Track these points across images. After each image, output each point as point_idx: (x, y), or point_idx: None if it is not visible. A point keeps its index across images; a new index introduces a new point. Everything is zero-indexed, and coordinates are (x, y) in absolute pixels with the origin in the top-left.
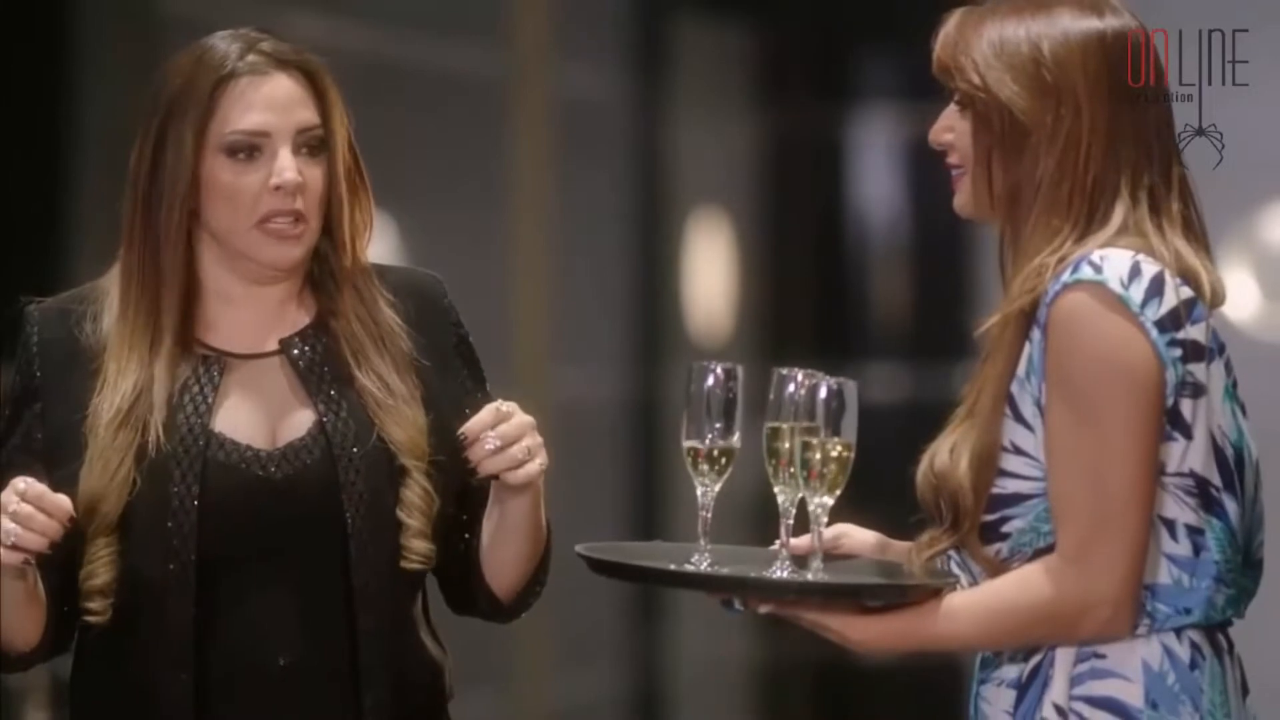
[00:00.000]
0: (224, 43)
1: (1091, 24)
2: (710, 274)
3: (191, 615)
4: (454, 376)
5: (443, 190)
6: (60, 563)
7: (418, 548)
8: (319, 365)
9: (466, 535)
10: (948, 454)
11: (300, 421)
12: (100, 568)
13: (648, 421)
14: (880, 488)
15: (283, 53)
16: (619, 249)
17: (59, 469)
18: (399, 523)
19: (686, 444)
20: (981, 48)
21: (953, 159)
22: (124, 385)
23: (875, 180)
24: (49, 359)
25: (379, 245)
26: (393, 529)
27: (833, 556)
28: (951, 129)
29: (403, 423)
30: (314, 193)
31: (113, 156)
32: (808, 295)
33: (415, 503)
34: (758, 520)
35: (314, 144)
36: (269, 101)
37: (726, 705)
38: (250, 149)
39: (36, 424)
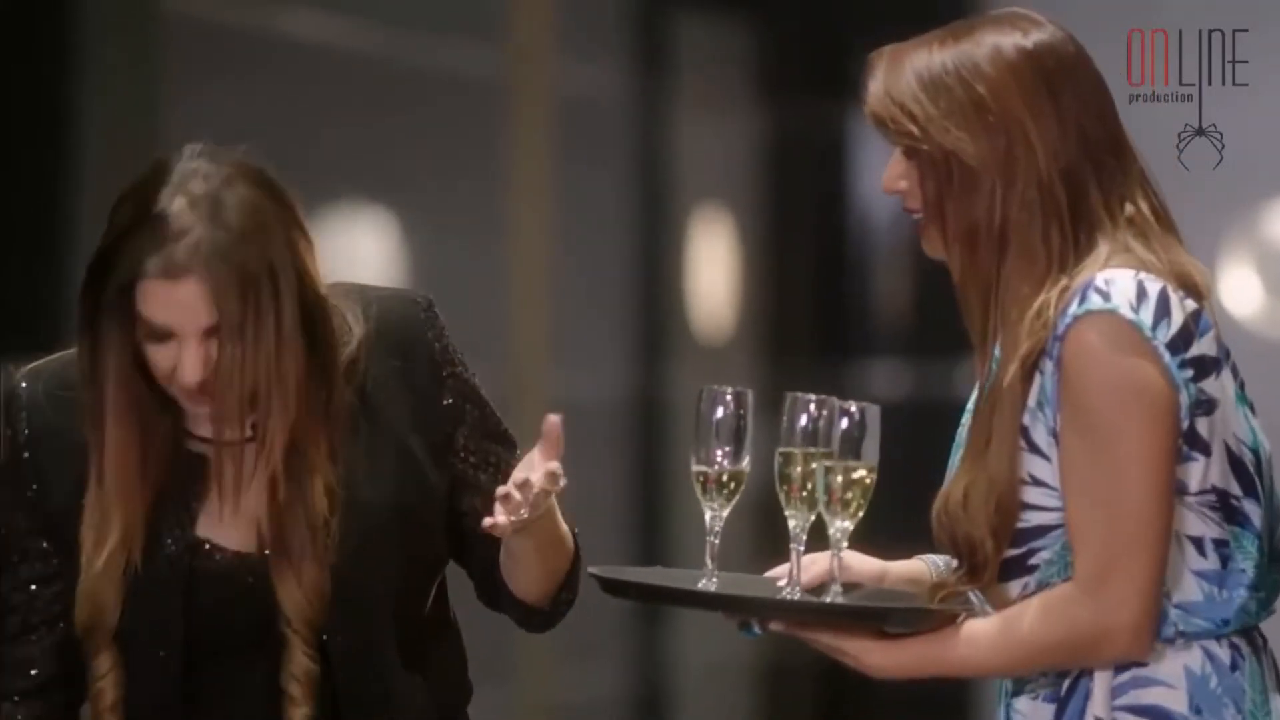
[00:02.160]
0: (152, 214)
1: (1019, 44)
2: (712, 272)
3: (179, 708)
4: (440, 403)
5: (443, 189)
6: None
7: (298, 716)
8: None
9: (477, 566)
10: (961, 499)
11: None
12: (108, 686)
13: (649, 421)
14: (883, 486)
15: (189, 258)
16: (620, 247)
17: (65, 562)
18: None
19: (695, 469)
20: (913, 92)
21: (910, 204)
22: (117, 482)
23: (877, 178)
24: (42, 448)
25: (380, 246)
26: (365, 603)
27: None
28: (903, 176)
29: (294, 583)
30: (224, 381)
31: (114, 155)
32: (810, 293)
33: (295, 674)
34: (757, 542)
35: (224, 336)
36: (174, 303)
37: (730, 704)
38: (162, 336)
39: (37, 508)
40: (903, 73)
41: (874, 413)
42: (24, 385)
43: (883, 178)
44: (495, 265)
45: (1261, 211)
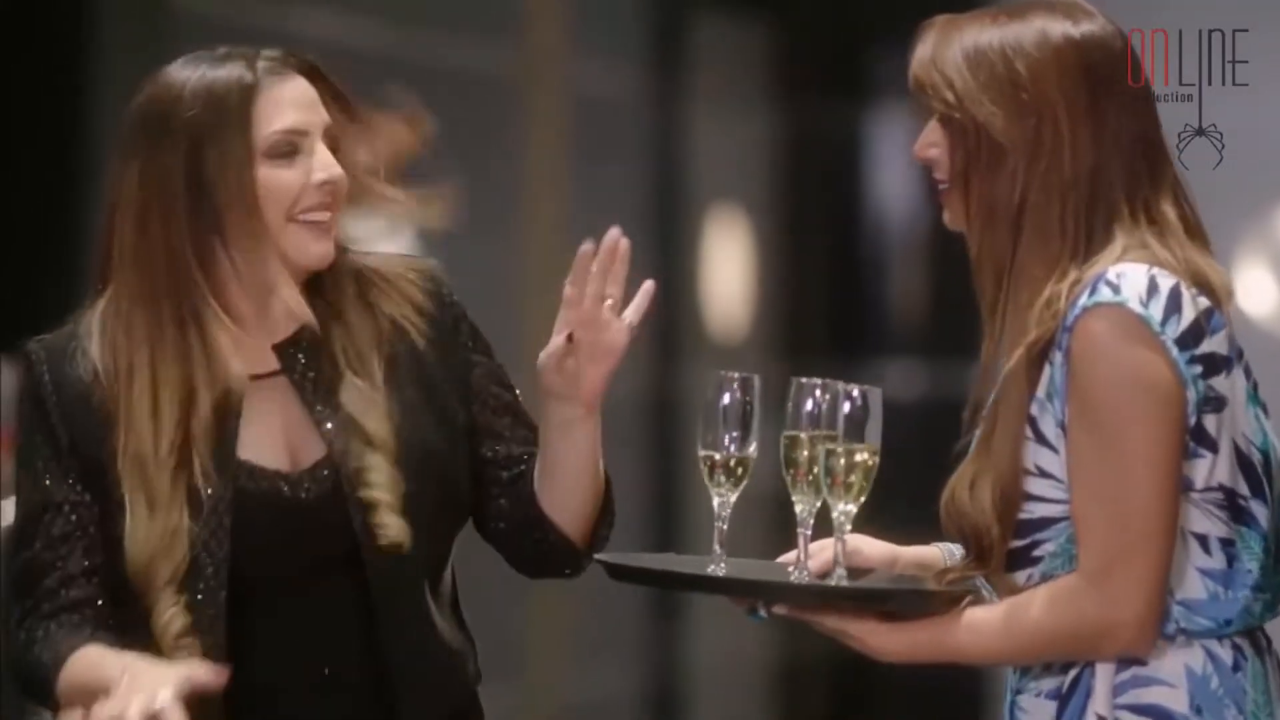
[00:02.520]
0: (214, 63)
1: (1066, 31)
2: (727, 272)
3: (224, 641)
4: (458, 354)
5: (459, 187)
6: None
7: (390, 522)
8: (315, 376)
9: (508, 495)
10: (967, 490)
11: (313, 440)
12: (176, 615)
13: (665, 419)
14: (898, 486)
15: (287, 58)
16: (635, 246)
17: (102, 513)
18: (367, 503)
19: (703, 454)
20: (956, 62)
21: (938, 174)
22: (165, 425)
23: (892, 177)
24: (64, 398)
25: (393, 241)
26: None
27: (849, 569)
28: (935, 144)
29: (377, 416)
30: (342, 185)
31: None
32: (824, 293)
33: (382, 482)
34: (771, 529)
35: (333, 138)
36: (296, 102)
37: (742, 702)
38: (290, 148)
39: (74, 466)
40: (950, 43)
41: (876, 395)
42: (36, 345)
43: (916, 143)
44: (510, 263)
45: (1262, 212)
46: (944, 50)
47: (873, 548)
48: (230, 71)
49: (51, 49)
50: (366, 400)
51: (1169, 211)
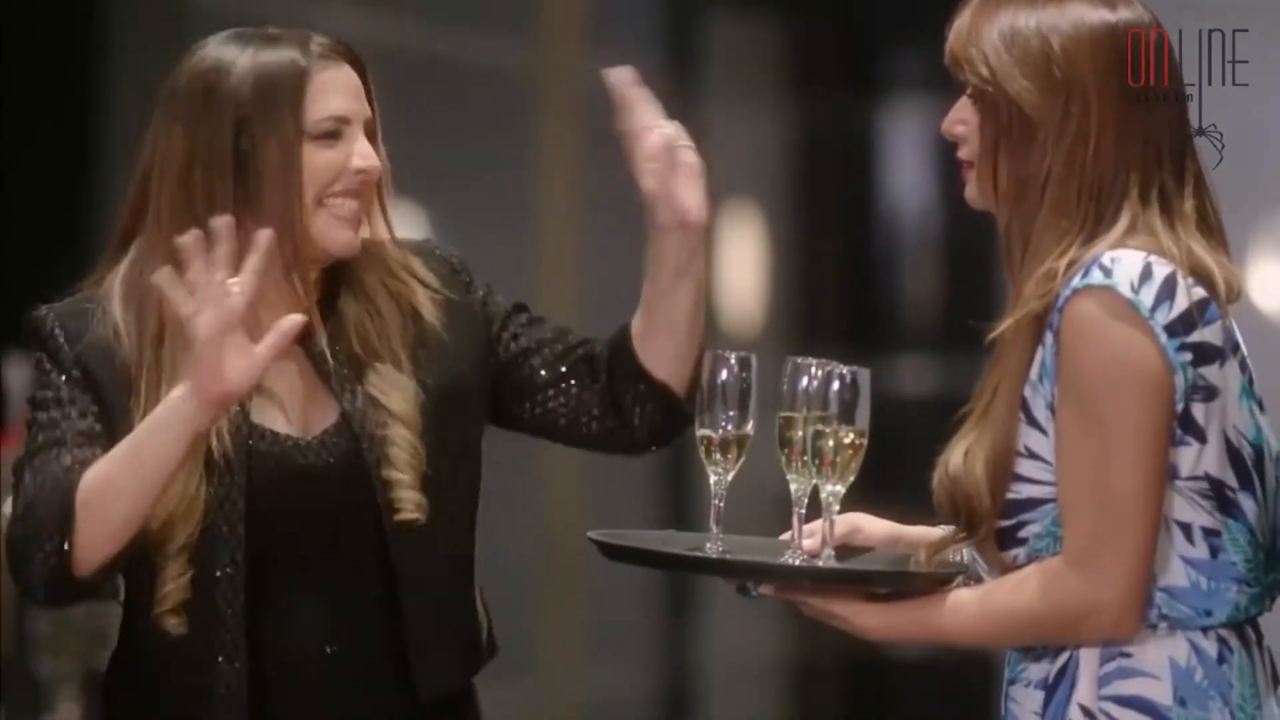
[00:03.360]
0: (265, 42)
1: (1104, 17)
2: (740, 267)
3: (242, 608)
4: (482, 328)
5: (472, 182)
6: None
7: (409, 498)
8: (336, 348)
9: (581, 381)
10: (961, 457)
11: (327, 408)
12: (176, 589)
13: None
14: (908, 480)
15: (339, 46)
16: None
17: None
18: (387, 480)
19: (700, 433)
20: (992, 39)
21: (963, 151)
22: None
23: (905, 174)
24: (84, 355)
25: (409, 236)
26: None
27: (847, 548)
28: (964, 120)
29: (399, 396)
30: (375, 176)
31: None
32: (837, 288)
33: (403, 459)
34: (772, 511)
35: (371, 131)
36: (346, 89)
37: (756, 699)
38: (335, 134)
39: (91, 410)
40: (988, 19)
41: (865, 377)
42: (44, 309)
43: (944, 120)
44: (524, 258)
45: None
46: (982, 26)
47: (875, 526)
48: (284, 54)
49: (66, 42)
50: (387, 381)
51: (1186, 203)
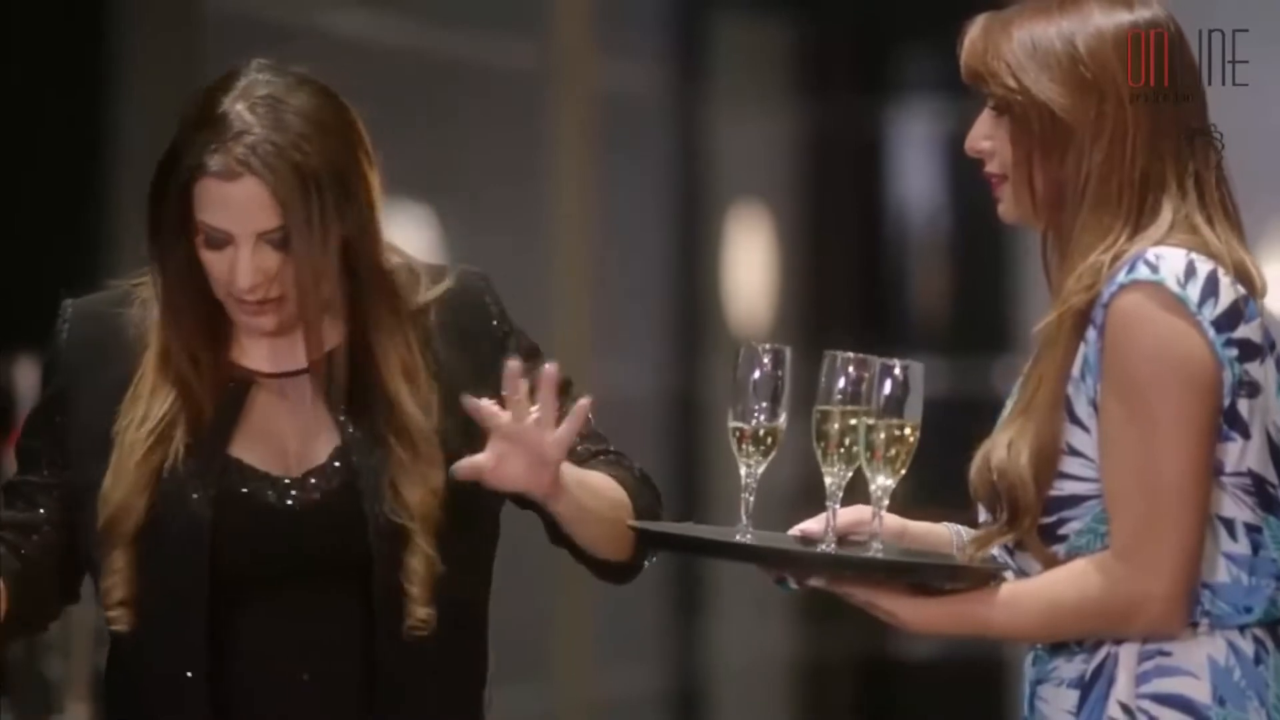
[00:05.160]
0: (214, 115)
1: (1123, 18)
2: (750, 268)
3: (204, 630)
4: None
5: (485, 185)
6: (67, 543)
7: (420, 614)
8: (346, 387)
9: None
10: (1005, 450)
11: (321, 447)
12: (119, 582)
13: (689, 414)
14: (921, 479)
15: (247, 156)
16: (660, 243)
17: (83, 473)
18: (391, 526)
19: (732, 425)
20: (1013, 50)
21: (991, 167)
22: (157, 404)
23: (915, 175)
24: (79, 358)
25: (422, 239)
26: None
27: (851, 542)
28: (989, 136)
29: (418, 482)
30: (285, 278)
31: (155, 154)
32: (847, 289)
33: (417, 570)
34: (798, 508)
35: (277, 242)
36: (230, 204)
37: (767, 699)
38: (218, 241)
39: (61, 426)
40: (1002, 31)
41: (917, 370)
42: (69, 304)
43: (967, 137)
44: (536, 260)
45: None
46: (999, 39)
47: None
48: (201, 136)
49: (76, 41)
50: (400, 414)
51: (1217, 195)
